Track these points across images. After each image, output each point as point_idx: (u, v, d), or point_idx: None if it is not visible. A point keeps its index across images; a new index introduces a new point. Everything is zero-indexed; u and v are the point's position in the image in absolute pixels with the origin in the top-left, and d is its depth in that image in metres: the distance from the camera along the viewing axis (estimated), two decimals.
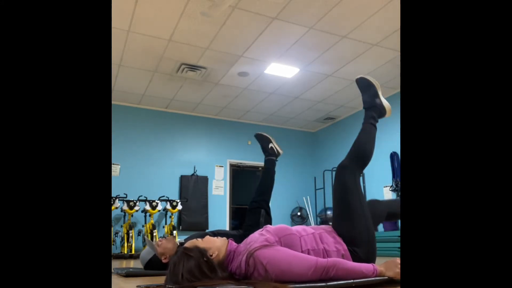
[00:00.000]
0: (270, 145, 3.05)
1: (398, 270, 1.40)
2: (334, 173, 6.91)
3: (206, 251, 1.48)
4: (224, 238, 1.61)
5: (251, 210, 2.84)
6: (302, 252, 1.52)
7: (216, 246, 1.53)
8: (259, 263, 1.38)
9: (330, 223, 1.85)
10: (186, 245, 1.53)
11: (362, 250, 1.62)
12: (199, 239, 1.56)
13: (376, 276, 1.38)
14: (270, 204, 2.95)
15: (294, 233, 1.59)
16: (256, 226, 2.60)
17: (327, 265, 1.36)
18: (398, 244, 4.97)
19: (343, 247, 1.61)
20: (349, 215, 1.69)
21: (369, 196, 6.39)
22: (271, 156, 3.03)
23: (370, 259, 1.63)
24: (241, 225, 3.00)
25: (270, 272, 1.36)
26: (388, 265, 1.42)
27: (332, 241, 1.62)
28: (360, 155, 1.88)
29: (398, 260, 1.44)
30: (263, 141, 3.10)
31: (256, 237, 1.55)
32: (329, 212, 6.55)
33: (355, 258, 1.58)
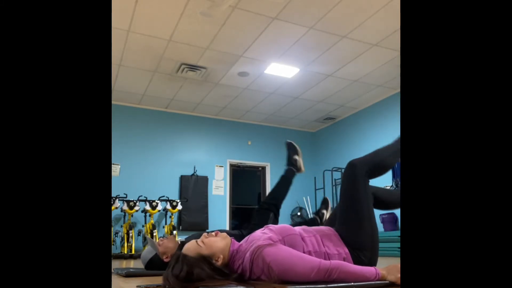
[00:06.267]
0: (296, 157, 3.00)
1: (399, 275, 1.39)
2: (333, 173, 6.83)
3: (211, 258, 1.46)
4: (226, 235, 1.57)
5: (260, 211, 2.81)
6: (303, 253, 1.52)
7: (219, 249, 1.50)
8: (263, 262, 1.38)
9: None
10: (188, 252, 1.47)
11: (365, 254, 1.62)
12: (200, 244, 1.50)
13: (377, 280, 1.38)
14: None
15: (297, 233, 1.59)
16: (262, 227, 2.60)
17: (330, 267, 1.36)
18: (398, 244, 4.97)
19: (344, 250, 1.60)
20: (356, 219, 1.66)
21: None
22: (292, 167, 2.99)
23: (372, 263, 1.62)
24: (242, 225, 2.97)
25: (274, 271, 1.35)
26: (390, 269, 1.41)
27: (334, 244, 1.61)
28: (377, 162, 1.78)
29: (400, 265, 1.43)
30: (291, 150, 3.05)
31: (258, 236, 1.54)
32: None
33: (357, 262, 1.57)
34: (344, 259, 1.56)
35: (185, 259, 1.43)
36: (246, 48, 4.75)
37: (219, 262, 1.47)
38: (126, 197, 5.82)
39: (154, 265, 2.43)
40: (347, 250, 1.60)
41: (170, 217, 6.06)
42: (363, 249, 1.62)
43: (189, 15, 4.04)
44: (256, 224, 2.71)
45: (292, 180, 2.97)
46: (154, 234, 5.61)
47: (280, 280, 1.35)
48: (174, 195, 6.53)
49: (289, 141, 3.12)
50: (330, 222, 1.88)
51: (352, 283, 1.32)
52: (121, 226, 5.80)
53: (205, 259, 1.44)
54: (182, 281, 1.35)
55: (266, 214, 2.78)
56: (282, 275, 1.36)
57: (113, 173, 6.12)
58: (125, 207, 5.73)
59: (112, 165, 6.14)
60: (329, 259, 1.54)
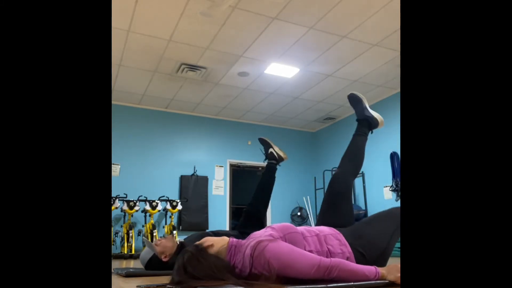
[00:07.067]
0: (270, 150, 3.03)
1: (399, 274, 1.39)
2: (333, 173, 6.86)
3: (201, 243, 1.49)
4: (225, 236, 1.61)
5: (248, 216, 2.82)
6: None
7: (212, 240, 1.53)
8: (263, 257, 1.38)
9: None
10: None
11: (371, 255, 1.63)
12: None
13: (377, 279, 1.38)
14: (270, 204, 2.95)
15: (298, 232, 1.60)
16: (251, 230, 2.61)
17: (330, 265, 1.36)
18: (398, 244, 4.97)
19: (348, 249, 1.61)
20: (386, 226, 1.75)
21: (368, 195, 6.39)
22: (270, 161, 3.02)
23: (376, 265, 1.63)
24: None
25: (273, 266, 1.35)
26: (390, 268, 1.42)
27: (337, 243, 1.63)
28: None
29: (400, 264, 1.44)
30: (264, 145, 3.09)
31: (260, 233, 1.55)
32: None
33: (360, 262, 1.58)
34: (347, 259, 1.57)
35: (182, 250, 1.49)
36: (246, 48, 4.75)
37: (205, 245, 1.49)
38: (126, 197, 5.82)
39: (154, 264, 2.43)
40: (350, 250, 1.62)
41: (170, 217, 6.06)
42: (372, 250, 1.63)
43: (189, 15, 4.04)
44: (246, 233, 2.70)
45: (271, 174, 2.97)
46: (154, 234, 5.60)
47: (280, 279, 1.35)
48: (174, 195, 6.53)
49: (259, 137, 3.17)
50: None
51: (352, 283, 1.32)
52: (121, 226, 5.79)
53: (195, 245, 1.48)
54: (177, 273, 1.38)
55: (252, 220, 2.78)
56: (282, 271, 1.35)
57: (113, 173, 6.12)
58: (125, 207, 5.73)
59: (112, 165, 6.14)
60: (331, 258, 1.55)
